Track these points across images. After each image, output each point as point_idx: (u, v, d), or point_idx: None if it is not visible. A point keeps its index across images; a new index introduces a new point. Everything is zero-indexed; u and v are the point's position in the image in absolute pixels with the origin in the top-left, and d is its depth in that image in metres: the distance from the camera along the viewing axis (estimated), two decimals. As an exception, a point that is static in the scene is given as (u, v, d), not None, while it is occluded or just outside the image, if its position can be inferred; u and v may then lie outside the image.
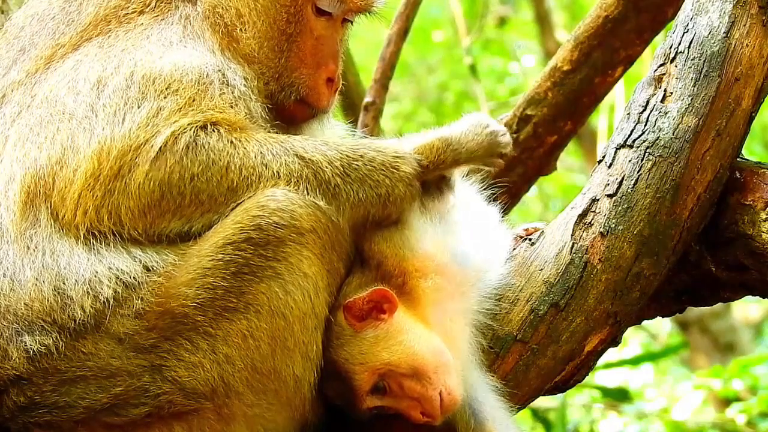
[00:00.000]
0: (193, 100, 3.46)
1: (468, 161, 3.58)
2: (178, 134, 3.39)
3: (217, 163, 3.41)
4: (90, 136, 3.38)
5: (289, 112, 3.73)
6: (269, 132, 3.58)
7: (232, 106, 3.51)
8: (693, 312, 11.18)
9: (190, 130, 3.40)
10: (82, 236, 3.34)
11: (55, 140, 3.40)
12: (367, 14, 3.88)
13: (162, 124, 3.39)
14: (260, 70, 3.68)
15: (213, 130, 3.43)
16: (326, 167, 3.47)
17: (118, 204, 3.34)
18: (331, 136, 3.86)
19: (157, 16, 3.63)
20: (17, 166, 3.43)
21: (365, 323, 3.44)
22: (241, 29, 3.66)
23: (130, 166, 3.35)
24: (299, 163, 3.45)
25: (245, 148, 3.44)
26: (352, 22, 3.91)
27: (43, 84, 3.54)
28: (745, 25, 3.62)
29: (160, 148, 3.36)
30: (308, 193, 3.42)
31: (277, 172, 3.43)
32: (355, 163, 3.50)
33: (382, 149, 3.55)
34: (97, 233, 3.34)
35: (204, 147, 3.40)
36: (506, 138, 3.61)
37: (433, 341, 3.45)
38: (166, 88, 3.45)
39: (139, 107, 3.41)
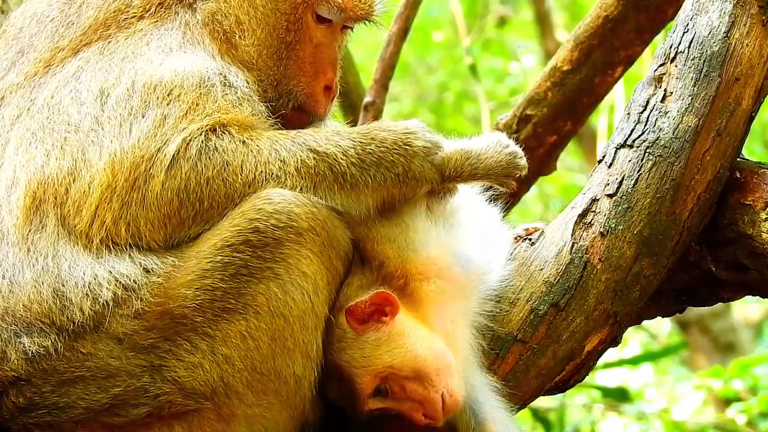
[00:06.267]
0: (197, 105, 3.45)
1: (484, 177, 3.58)
2: (189, 141, 3.39)
3: (231, 164, 3.41)
4: (100, 150, 3.38)
5: (285, 119, 3.71)
6: (277, 129, 3.58)
7: (236, 106, 3.51)
8: (693, 312, 11.17)
9: (201, 134, 3.40)
10: (95, 246, 3.33)
11: (65, 151, 3.40)
12: (367, 22, 3.88)
13: (170, 132, 3.39)
14: (258, 77, 3.67)
15: (223, 132, 3.43)
16: (341, 158, 3.46)
17: (137, 216, 3.34)
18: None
19: (157, 21, 3.62)
20: (21, 170, 3.42)
21: (367, 326, 3.44)
22: (240, 36, 3.66)
23: (145, 178, 3.35)
24: (314, 158, 3.45)
25: (258, 146, 3.44)
26: (351, 29, 3.91)
27: (43, 88, 3.53)
28: (745, 25, 3.62)
29: (173, 156, 3.36)
30: (327, 189, 3.43)
31: (296, 168, 3.43)
32: (369, 147, 3.50)
33: (392, 128, 3.54)
34: (111, 244, 3.34)
35: (217, 150, 3.40)
36: (523, 161, 3.61)
37: (434, 343, 3.45)
38: (168, 95, 3.45)
39: (143, 117, 3.41)
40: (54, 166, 3.39)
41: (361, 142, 3.50)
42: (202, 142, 3.40)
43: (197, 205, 3.39)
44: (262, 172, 3.42)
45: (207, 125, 3.43)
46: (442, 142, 3.55)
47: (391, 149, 3.50)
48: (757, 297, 3.83)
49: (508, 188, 3.63)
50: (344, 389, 3.45)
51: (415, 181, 3.51)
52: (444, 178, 3.54)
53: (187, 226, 3.39)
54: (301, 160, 3.45)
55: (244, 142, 3.44)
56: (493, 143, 3.58)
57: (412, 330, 3.44)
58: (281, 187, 3.41)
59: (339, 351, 3.44)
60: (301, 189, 3.43)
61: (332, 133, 3.53)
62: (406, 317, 3.46)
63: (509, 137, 3.72)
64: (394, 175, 3.49)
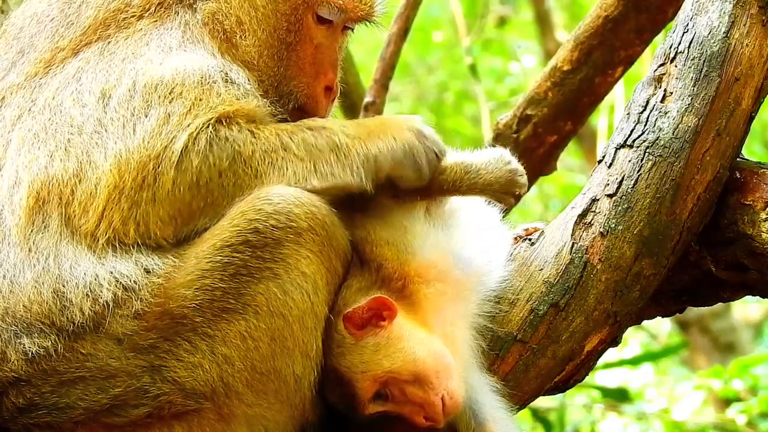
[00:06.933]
0: (200, 100, 3.46)
1: (482, 192, 3.59)
2: (197, 135, 3.39)
3: (242, 154, 3.42)
4: (104, 152, 3.38)
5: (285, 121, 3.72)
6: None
7: (239, 99, 3.52)
8: (693, 312, 11.17)
9: (208, 127, 3.41)
10: (99, 246, 3.33)
11: (69, 152, 3.40)
12: (368, 23, 3.88)
13: (176, 129, 3.39)
14: (259, 77, 3.67)
15: (231, 123, 3.45)
16: (338, 130, 3.50)
17: (147, 214, 3.35)
18: None
19: (156, 21, 3.62)
20: (23, 171, 3.42)
21: (365, 331, 3.43)
22: (240, 36, 3.66)
23: (154, 176, 3.35)
24: (313, 135, 3.49)
25: (265, 134, 3.46)
26: (352, 30, 3.91)
27: (43, 89, 3.53)
28: (745, 25, 3.62)
29: (182, 152, 3.37)
30: (325, 164, 3.46)
31: (296, 152, 3.45)
32: (366, 123, 3.58)
33: (392, 116, 3.60)
34: (117, 244, 3.34)
35: (227, 139, 3.42)
36: (524, 179, 3.62)
37: (433, 345, 3.44)
38: (170, 93, 3.45)
39: (146, 116, 3.41)
40: (58, 167, 3.39)
41: (358, 122, 3.57)
42: (211, 133, 3.41)
43: (208, 197, 3.40)
44: (269, 162, 3.43)
45: (213, 117, 3.43)
46: (443, 146, 3.56)
47: (387, 125, 3.55)
48: (757, 297, 3.83)
49: (507, 205, 3.64)
50: (344, 394, 3.44)
51: (405, 156, 3.50)
52: (442, 190, 3.56)
53: (196, 218, 3.40)
54: (302, 138, 3.48)
55: (251, 131, 3.46)
56: (495, 159, 3.58)
57: (410, 333, 3.44)
58: (285, 177, 3.42)
59: (338, 356, 3.44)
60: (303, 173, 3.45)
61: (332, 118, 3.60)
62: (405, 320, 3.45)
63: (509, 137, 3.72)
64: (384, 144, 3.50)
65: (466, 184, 3.55)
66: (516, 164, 3.61)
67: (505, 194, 3.60)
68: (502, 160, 3.59)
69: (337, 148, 3.48)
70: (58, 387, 3.32)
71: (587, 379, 3.91)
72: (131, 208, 3.34)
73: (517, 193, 3.61)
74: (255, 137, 3.44)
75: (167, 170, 3.36)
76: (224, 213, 3.41)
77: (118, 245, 3.34)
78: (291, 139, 3.47)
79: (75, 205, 3.36)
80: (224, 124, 3.44)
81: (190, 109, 3.43)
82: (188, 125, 3.40)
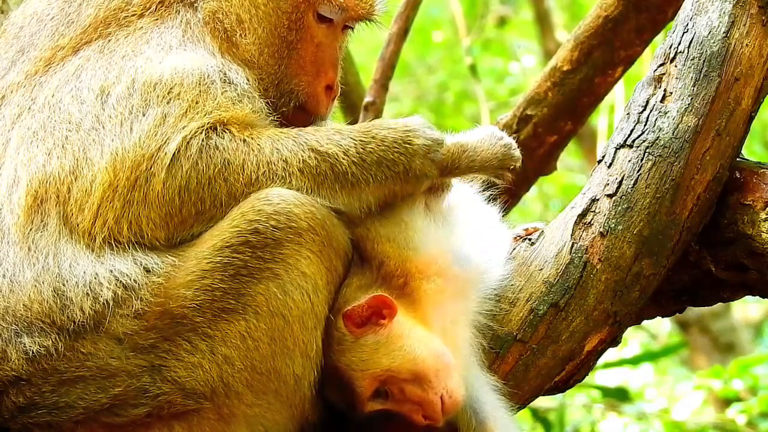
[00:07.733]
0: (197, 102, 3.45)
1: (481, 170, 3.59)
2: (190, 139, 3.39)
3: (232, 163, 3.41)
4: (101, 149, 3.38)
5: (286, 119, 3.71)
6: (277, 127, 3.58)
7: (235, 103, 3.51)
8: (693, 312, 11.18)
9: (201, 133, 3.41)
10: (96, 244, 3.33)
11: (66, 150, 3.40)
12: (368, 22, 3.88)
13: (171, 130, 3.39)
14: (259, 75, 3.67)
15: (224, 131, 3.44)
16: (342, 158, 3.47)
17: (139, 215, 3.35)
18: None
19: (157, 19, 3.63)
20: (22, 170, 3.42)
21: (365, 329, 3.43)
22: (241, 35, 3.66)
23: (146, 177, 3.35)
24: (316, 158, 3.46)
25: (259, 144, 3.44)
26: (352, 29, 3.91)
27: (43, 87, 3.54)
28: (744, 25, 3.62)
29: (174, 154, 3.37)
30: (329, 189, 3.45)
31: (299, 169, 3.44)
32: (369, 146, 3.50)
33: (393, 126, 3.56)
34: (113, 242, 3.34)
35: (217, 148, 3.41)
36: (518, 153, 3.63)
37: (433, 344, 3.45)
38: (168, 93, 3.45)
39: (144, 115, 3.41)
40: (56, 165, 3.39)
41: (361, 141, 3.51)
42: (203, 140, 3.41)
43: (199, 204, 3.39)
44: (265, 172, 3.43)
45: (207, 123, 3.43)
46: (443, 139, 3.56)
47: (392, 148, 3.51)
48: (757, 297, 3.83)
49: (504, 181, 3.65)
50: (344, 392, 3.45)
51: (416, 178, 3.52)
52: (442, 172, 3.55)
53: (189, 224, 3.40)
54: (303, 160, 3.45)
55: (244, 140, 3.44)
56: (488, 136, 3.60)
57: (410, 332, 3.44)
58: (286, 188, 3.41)
59: (338, 354, 3.44)
60: (306, 189, 3.44)
61: (333, 132, 3.53)
62: (405, 319, 3.45)
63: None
64: (395, 173, 3.50)
65: (464, 163, 3.56)
66: (509, 139, 3.63)
67: (502, 170, 3.61)
68: (494, 136, 3.60)
69: (343, 178, 3.47)
70: (59, 386, 3.32)
71: (587, 379, 3.91)
72: (124, 207, 3.34)
73: (512, 167, 3.62)
74: (248, 146, 3.43)
75: (159, 172, 3.36)
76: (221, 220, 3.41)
77: (114, 244, 3.34)
78: (292, 155, 3.45)
79: (72, 203, 3.36)
80: (217, 131, 3.43)
81: (186, 112, 3.43)
82: (183, 128, 3.40)
